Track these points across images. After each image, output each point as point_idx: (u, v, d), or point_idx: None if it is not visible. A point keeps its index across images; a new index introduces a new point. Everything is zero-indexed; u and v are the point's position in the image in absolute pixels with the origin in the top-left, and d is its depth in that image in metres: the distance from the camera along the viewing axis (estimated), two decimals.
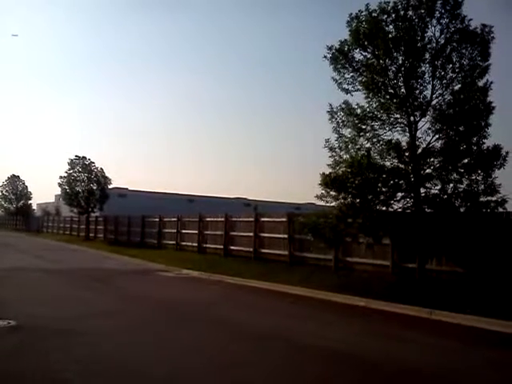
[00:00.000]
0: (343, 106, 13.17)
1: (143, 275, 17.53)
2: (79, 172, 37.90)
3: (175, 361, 6.36)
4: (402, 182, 12.77)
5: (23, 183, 65.04)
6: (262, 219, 20.39)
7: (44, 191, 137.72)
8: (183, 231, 26.75)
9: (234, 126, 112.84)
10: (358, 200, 12.39)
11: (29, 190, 65.36)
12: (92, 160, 38.43)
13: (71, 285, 14.02)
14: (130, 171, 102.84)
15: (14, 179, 64.79)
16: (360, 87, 13.04)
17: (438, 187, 12.61)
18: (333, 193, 12.89)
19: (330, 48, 12.69)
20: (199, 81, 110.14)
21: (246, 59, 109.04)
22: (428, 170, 12.82)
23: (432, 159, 12.86)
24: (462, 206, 12.19)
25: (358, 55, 12.75)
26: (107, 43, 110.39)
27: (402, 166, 13.06)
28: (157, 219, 29.83)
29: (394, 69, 12.36)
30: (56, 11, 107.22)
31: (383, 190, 12.66)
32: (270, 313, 10.54)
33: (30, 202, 66.62)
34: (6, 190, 64.66)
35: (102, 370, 5.86)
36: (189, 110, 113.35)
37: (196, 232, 25.08)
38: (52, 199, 66.60)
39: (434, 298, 11.07)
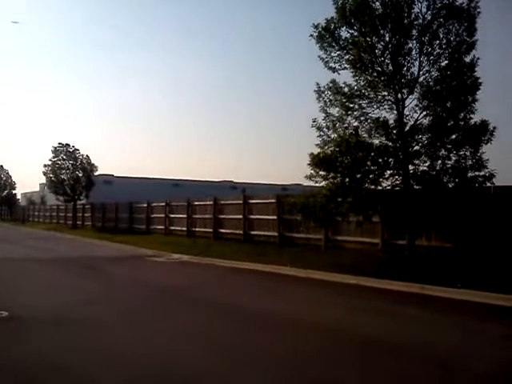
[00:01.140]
0: (330, 84, 13.11)
1: (134, 261, 17.45)
2: (63, 160, 37.38)
3: (173, 348, 6.32)
4: (390, 159, 12.81)
5: (7, 173, 64.06)
6: (251, 201, 20.40)
7: (28, 180, 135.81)
8: (172, 216, 26.66)
9: (216, 109, 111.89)
10: (347, 179, 12.42)
11: (13, 179, 64.46)
12: (76, 147, 37.97)
13: (62, 273, 13.89)
14: (114, 158, 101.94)
15: None
16: (347, 65, 12.99)
17: (427, 164, 12.70)
18: (322, 172, 12.90)
19: (316, 26, 12.56)
20: (182, 63, 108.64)
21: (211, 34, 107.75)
22: (416, 147, 12.90)
23: (420, 136, 12.94)
24: (450, 181, 12.30)
25: (344, 33, 12.68)
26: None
27: (390, 144, 13.11)
28: (145, 205, 29.67)
29: (381, 46, 12.32)
30: None
31: (372, 168, 12.70)
32: (264, 293, 10.56)
33: (14, 191, 65.81)
34: None
35: (98, 358, 5.82)
36: (171, 92, 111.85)
37: (185, 216, 25.01)
38: (37, 188, 65.81)
39: (425, 273, 11.20)
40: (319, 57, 12.95)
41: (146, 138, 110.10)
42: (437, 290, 10.18)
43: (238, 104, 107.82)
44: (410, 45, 12.18)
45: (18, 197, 74.37)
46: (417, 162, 12.92)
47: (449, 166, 12.29)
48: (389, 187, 13.23)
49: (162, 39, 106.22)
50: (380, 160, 12.50)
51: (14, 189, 65.15)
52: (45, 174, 37.41)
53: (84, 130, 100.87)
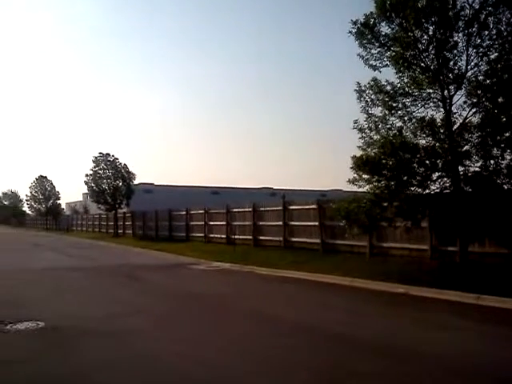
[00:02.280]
0: (372, 83, 12.50)
1: (174, 269, 17.27)
2: (104, 169, 38.01)
3: (218, 363, 5.93)
4: (438, 161, 12.08)
5: (51, 183, 65.85)
6: (291, 207, 19.93)
7: (73, 190, 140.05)
8: (211, 223, 26.49)
9: (254, 116, 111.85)
10: (392, 182, 11.76)
11: (57, 189, 66.23)
12: (116, 156, 38.55)
13: (102, 282, 13.82)
14: (154, 167, 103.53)
15: (41, 180, 65.62)
16: (388, 62, 12.35)
17: (478, 164, 11.89)
18: (365, 176, 12.30)
19: (354, 22, 11.99)
20: (218, 72, 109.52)
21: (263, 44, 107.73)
22: (466, 147, 12.10)
23: (470, 135, 12.13)
24: (505, 182, 11.44)
25: (384, 29, 12.05)
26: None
27: (438, 144, 12.38)
28: (184, 212, 29.66)
29: (424, 40, 11.63)
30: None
31: (419, 170, 12.01)
32: (310, 304, 10.05)
33: (58, 201, 67.57)
34: (35, 191, 65.57)
35: (138, 376, 5.50)
36: (209, 100, 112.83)
37: (224, 223, 24.77)
38: (80, 198, 67.45)
39: (480, 282, 10.43)
40: (359, 55, 12.39)
41: (185, 146, 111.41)
42: (494, 301, 9.42)
43: (276, 110, 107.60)
44: (456, 37, 11.43)
45: (63, 206, 76.56)
46: (467, 162, 12.13)
47: (503, 165, 11.44)
48: (437, 190, 12.46)
49: (205, 50, 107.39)
50: (427, 161, 11.79)
51: (59, 199, 66.93)
52: (86, 183, 38.16)
53: (126, 139, 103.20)
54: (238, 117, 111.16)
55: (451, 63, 11.58)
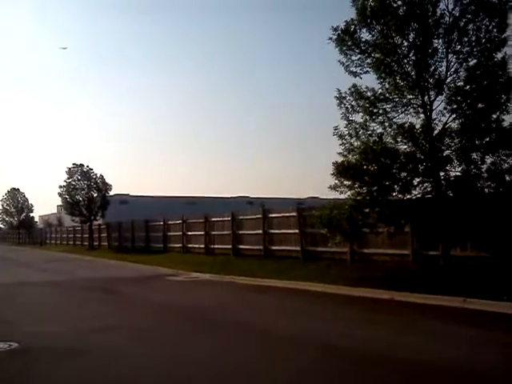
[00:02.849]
0: (352, 89, 12.46)
1: (151, 281, 16.83)
2: (78, 180, 37.22)
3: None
4: (419, 166, 12.09)
5: (23, 196, 64.48)
6: (271, 215, 19.74)
7: (46, 203, 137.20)
8: (189, 233, 26.08)
9: (224, 126, 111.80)
10: (374, 188, 11.70)
11: (30, 202, 64.76)
12: (90, 167, 37.80)
13: (77, 297, 13.31)
14: (128, 178, 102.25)
15: (14, 192, 64.17)
16: (369, 69, 12.34)
17: (459, 169, 11.93)
18: (347, 182, 12.22)
19: (335, 29, 11.97)
20: (186, 82, 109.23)
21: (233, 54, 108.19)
22: (446, 152, 12.14)
23: (450, 140, 12.18)
24: (486, 186, 11.50)
25: (365, 35, 12.05)
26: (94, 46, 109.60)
27: (418, 150, 12.39)
28: (161, 222, 29.18)
29: (404, 47, 11.67)
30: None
31: (400, 175, 11.99)
32: (293, 314, 9.81)
33: (31, 214, 66.08)
34: (7, 204, 64.04)
35: None
36: (178, 109, 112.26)
37: (202, 233, 24.41)
38: (54, 210, 65.98)
39: (464, 285, 10.39)
40: (339, 61, 12.36)
41: (157, 156, 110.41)
42: (481, 304, 9.36)
43: (246, 117, 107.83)
44: (436, 44, 11.49)
45: (36, 219, 74.85)
46: (448, 167, 12.16)
47: (483, 170, 11.50)
48: (418, 195, 12.46)
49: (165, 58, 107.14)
50: (409, 167, 11.77)
51: (32, 211, 65.49)
52: (60, 195, 37.27)
53: (99, 150, 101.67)
54: (207, 127, 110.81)
55: (431, 69, 11.64)
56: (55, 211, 65.38)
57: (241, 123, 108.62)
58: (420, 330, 7.86)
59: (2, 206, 64.08)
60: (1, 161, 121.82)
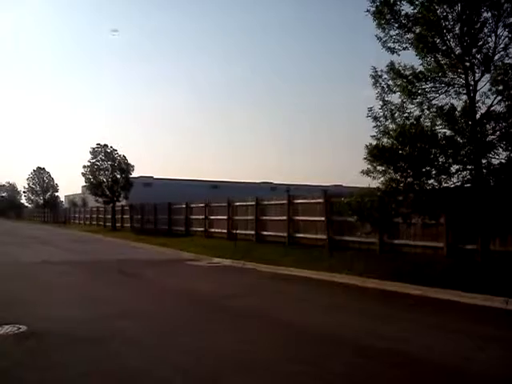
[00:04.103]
0: (390, 67, 11.53)
1: (172, 265, 16.37)
2: (102, 160, 37.04)
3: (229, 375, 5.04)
4: (460, 152, 11.16)
5: (49, 175, 65.15)
6: (296, 201, 18.99)
7: (73, 183, 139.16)
8: (211, 217, 25.58)
9: (253, 111, 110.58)
10: (410, 174, 10.84)
11: (55, 181, 65.40)
12: (114, 148, 37.56)
13: (95, 279, 12.93)
14: (154, 160, 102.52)
15: (39, 171, 64.84)
16: (408, 45, 11.40)
17: (503, 156, 10.96)
18: (380, 167, 11.40)
19: (373, 0, 11.04)
20: (214, 63, 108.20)
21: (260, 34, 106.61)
22: (490, 137, 11.17)
23: (494, 125, 11.19)
24: None
25: (406, 7, 11.08)
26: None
27: (459, 135, 11.44)
28: (183, 206, 28.75)
29: (449, 20, 10.67)
30: None
31: (439, 161, 11.09)
32: (320, 307, 9.13)
33: (56, 194, 66.79)
34: (33, 183, 64.76)
35: None
36: (207, 95, 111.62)
37: (225, 218, 23.85)
38: (79, 191, 66.48)
39: (505, 284, 9.50)
40: (376, 36, 11.44)
41: (184, 140, 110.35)
42: None
43: (275, 104, 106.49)
44: (486, 16, 10.45)
45: (62, 199, 75.78)
46: (490, 154, 11.21)
47: None
48: (457, 183, 11.53)
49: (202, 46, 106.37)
50: (449, 152, 10.86)
51: (57, 191, 66.19)
52: (84, 175, 37.20)
53: (125, 133, 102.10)
54: (236, 112, 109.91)
55: (479, 44, 10.59)
56: (80, 192, 65.91)
57: (270, 110, 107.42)
58: (461, 332, 7.08)
59: (28, 184, 64.88)
60: (29, 140, 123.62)
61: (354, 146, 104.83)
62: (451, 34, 10.76)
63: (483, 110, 11.36)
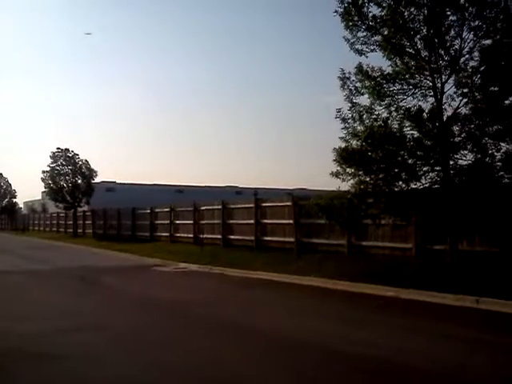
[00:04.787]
0: (357, 69, 11.49)
1: (136, 272, 15.88)
2: (62, 165, 35.85)
3: None
4: (427, 153, 11.21)
5: (6, 181, 62.78)
6: (264, 204, 18.78)
7: (31, 189, 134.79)
8: (177, 222, 25.07)
9: (215, 114, 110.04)
10: (380, 176, 10.81)
11: (13, 187, 63.07)
12: (75, 152, 36.44)
13: (54, 289, 12.30)
14: (116, 165, 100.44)
15: None
16: (376, 47, 11.39)
17: (470, 157, 11.09)
18: (349, 169, 11.32)
19: (341, 1, 10.97)
20: (177, 64, 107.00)
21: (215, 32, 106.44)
22: (457, 139, 11.28)
23: (460, 126, 11.32)
24: (500, 176, 10.66)
25: (373, 9, 11.05)
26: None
27: (426, 137, 11.51)
28: (148, 211, 28.12)
29: (417, 22, 10.70)
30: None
31: (409, 162, 11.12)
32: (289, 312, 8.91)
33: (14, 200, 64.41)
34: None
35: None
36: (168, 96, 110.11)
37: (191, 222, 23.40)
38: (39, 197, 64.31)
39: (475, 283, 9.57)
40: (344, 37, 11.38)
41: (145, 143, 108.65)
42: (495, 304, 8.58)
43: (238, 106, 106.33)
44: (452, 19, 10.53)
45: (21, 205, 73.15)
46: (457, 155, 11.32)
47: (498, 158, 10.66)
48: (426, 185, 11.60)
49: (163, 44, 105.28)
50: (417, 153, 10.90)
51: (15, 197, 63.86)
52: (43, 180, 35.93)
53: (85, 137, 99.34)
54: (201, 115, 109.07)
55: (445, 47, 10.66)
56: (40, 197, 63.78)
57: (234, 112, 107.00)
58: (438, 334, 6.98)
59: None
60: None
61: (319, 150, 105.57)
62: (418, 36, 10.81)
63: (449, 112, 11.48)
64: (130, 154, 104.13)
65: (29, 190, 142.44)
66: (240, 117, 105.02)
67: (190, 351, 6.19)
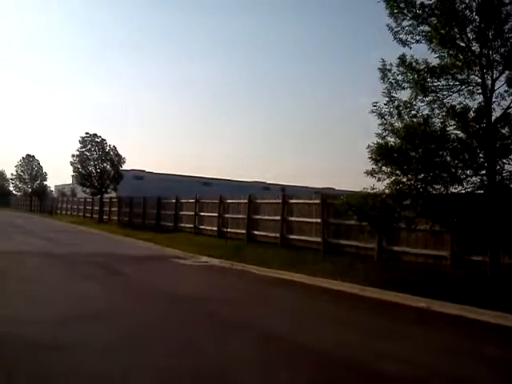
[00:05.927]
0: (399, 60, 10.67)
1: (157, 262, 15.44)
2: (91, 150, 35.84)
3: None
4: (472, 156, 10.33)
5: (38, 163, 63.65)
6: (291, 201, 18.08)
7: (63, 172, 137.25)
8: (202, 214, 24.60)
9: (248, 110, 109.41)
10: (420, 177, 9.99)
11: (44, 170, 63.97)
12: (103, 137, 36.37)
13: (71, 273, 11.96)
14: (146, 154, 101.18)
15: (28, 159, 63.33)
16: (421, 38, 10.56)
17: None
18: (385, 168, 10.54)
19: None
20: (216, 70, 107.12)
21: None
22: (506, 142, 10.36)
23: (510, 128, 10.39)
24: None
25: None
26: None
27: (471, 138, 10.62)
28: (173, 201, 27.76)
29: (469, 12, 9.82)
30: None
31: (450, 165, 10.26)
32: (314, 318, 8.22)
33: (45, 182, 65.40)
34: (21, 171, 63.26)
35: None
36: (203, 92, 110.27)
37: (216, 215, 22.88)
38: (70, 181, 65.18)
39: None
40: (388, 26, 10.58)
41: (178, 136, 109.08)
42: None
43: (270, 105, 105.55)
44: (508, 7, 9.59)
45: (52, 189, 74.31)
46: (504, 160, 10.41)
47: None
48: (468, 189, 10.72)
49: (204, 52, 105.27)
50: (462, 156, 10.04)
51: (46, 180, 64.79)
52: (72, 164, 36.00)
53: (118, 127, 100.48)
54: (233, 111, 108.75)
55: (503, 37, 9.72)
56: (70, 182, 64.61)
57: (267, 109, 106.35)
58: (480, 355, 6.21)
59: (17, 172, 63.36)
60: (18, 127, 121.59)
61: (348, 150, 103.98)
62: (470, 26, 9.91)
63: (498, 112, 10.59)
64: (160, 147, 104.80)
65: (62, 174, 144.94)
66: (272, 113, 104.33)
67: (201, 353, 5.60)
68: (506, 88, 10.50)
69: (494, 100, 10.54)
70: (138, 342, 6.08)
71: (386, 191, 10.44)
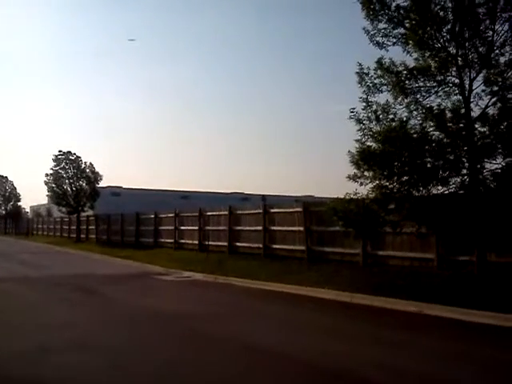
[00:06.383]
0: (379, 63, 10.59)
1: (138, 280, 14.96)
2: (65, 168, 35.07)
3: None
4: (453, 156, 10.29)
5: (12, 184, 62.10)
6: (272, 210, 17.87)
7: (39, 193, 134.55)
8: (182, 228, 24.20)
9: (223, 120, 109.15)
10: (404, 179, 9.88)
11: (18, 191, 62.44)
12: (78, 155, 35.65)
13: (48, 298, 11.41)
14: (122, 170, 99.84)
15: (1, 180, 61.77)
16: (397, 40, 10.52)
17: (501, 161, 10.14)
18: (368, 173, 10.41)
19: None
20: (188, 74, 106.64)
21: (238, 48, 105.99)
22: (486, 141, 10.35)
23: (490, 128, 10.38)
24: None
25: None
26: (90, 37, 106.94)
27: (450, 138, 10.59)
28: (152, 216, 27.28)
29: (445, 12, 9.81)
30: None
31: (431, 166, 10.19)
32: (306, 331, 7.89)
33: (19, 203, 63.81)
34: None
35: None
36: (177, 104, 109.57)
37: (196, 228, 22.52)
38: (45, 201, 63.78)
39: (506, 298, 8.58)
40: (364, 29, 10.52)
41: (152, 149, 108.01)
42: None
43: (245, 113, 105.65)
44: (483, 10, 9.61)
45: (27, 210, 72.60)
46: (487, 159, 10.38)
47: None
48: (449, 190, 10.66)
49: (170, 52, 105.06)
50: (447, 156, 9.98)
51: (19, 201, 63.17)
52: (47, 183, 35.16)
53: (92, 142, 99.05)
54: (207, 118, 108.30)
55: (479, 37, 9.73)
56: (46, 202, 63.23)
57: (240, 118, 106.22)
58: (482, 360, 6.01)
59: None
60: None
61: (327, 157, 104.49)
62: (446, 27, 9.90)
63: (476, 112, 10.59)
64: (136, 161, 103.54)
65: (36, 194, 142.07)
66: (247, 121, 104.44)
67: (194, 376, 5.26)
68: (484, 87, 10.53)
69: (471, 100, 10.54)
70: (127, 369, 5.69)
71: (370, 195, 10.30)
